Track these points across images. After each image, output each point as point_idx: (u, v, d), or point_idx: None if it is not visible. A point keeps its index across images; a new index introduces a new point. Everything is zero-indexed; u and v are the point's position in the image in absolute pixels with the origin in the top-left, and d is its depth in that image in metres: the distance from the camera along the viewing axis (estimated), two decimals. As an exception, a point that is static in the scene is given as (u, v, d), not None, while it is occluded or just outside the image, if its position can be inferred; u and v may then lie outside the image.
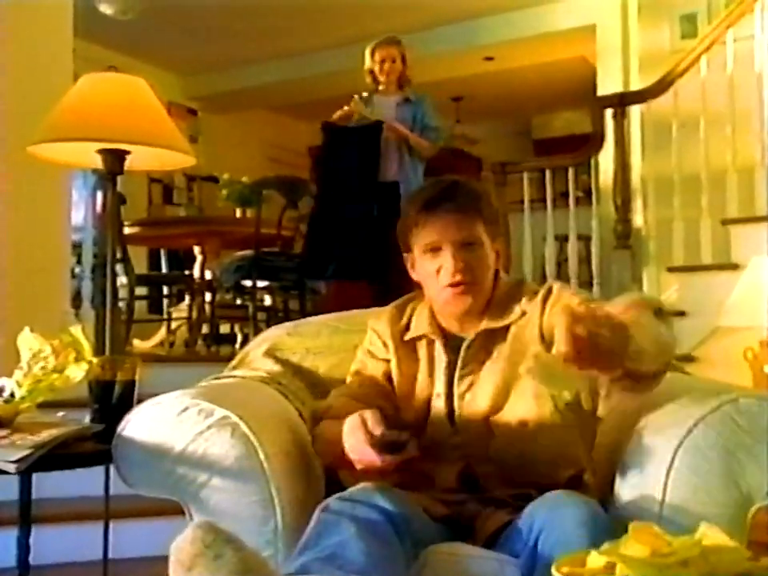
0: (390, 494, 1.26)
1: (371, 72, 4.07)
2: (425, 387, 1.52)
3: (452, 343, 1.51)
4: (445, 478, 1.44)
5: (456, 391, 1.48)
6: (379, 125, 3.87)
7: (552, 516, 1.20)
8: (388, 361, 1.56)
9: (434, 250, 1.46)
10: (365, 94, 4.09)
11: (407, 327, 1.57)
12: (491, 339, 1.49)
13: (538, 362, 1.37)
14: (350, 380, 1.61)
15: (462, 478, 1.44)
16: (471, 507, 1.40)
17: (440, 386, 1.50)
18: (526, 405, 1.43)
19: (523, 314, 1.49)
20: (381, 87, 4.08)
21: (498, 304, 1.51)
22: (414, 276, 1.55)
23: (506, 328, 1.49)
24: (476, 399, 1.46)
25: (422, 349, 1.54)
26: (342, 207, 3.85)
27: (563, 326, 1.07)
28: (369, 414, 1.32)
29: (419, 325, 1.55)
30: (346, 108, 4.02)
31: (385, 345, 1.57)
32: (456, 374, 1.49)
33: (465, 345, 1.49)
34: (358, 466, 1.32)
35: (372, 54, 4.05)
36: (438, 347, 1.52)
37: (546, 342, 1.41)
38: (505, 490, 1.40)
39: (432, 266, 1.47)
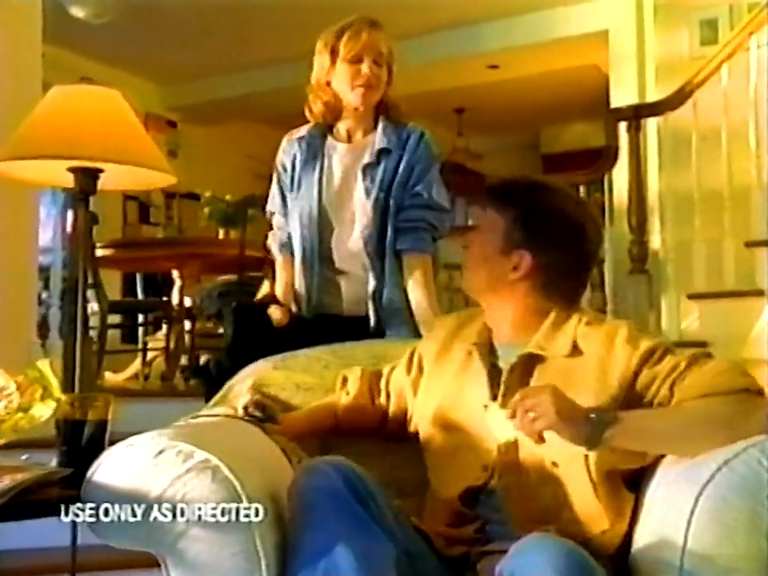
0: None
1: (327, 84, 2.30)
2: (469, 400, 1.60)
3: (494, 360, 1.61)
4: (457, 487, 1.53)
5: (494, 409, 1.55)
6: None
7: (522, 563, 1.22)
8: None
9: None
10: (300, 133, 2.37)
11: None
12: (534, 363, 1.57)
13: None
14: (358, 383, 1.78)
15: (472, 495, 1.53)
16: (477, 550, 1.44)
17: (479, 402, 1.58)
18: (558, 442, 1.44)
19: (575, 348, 1.56)
20: (344, 121, 2.33)
21: (552, 329, 1.59)
22: None
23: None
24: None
25: (472, 359, 1.64)
26: None
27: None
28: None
29: (469, 335, 1.68)
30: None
31: (411, 366, 1.75)
32: (499, 392, 1.55)
33: (506, 370, 1.57)
34: None
35: (333, 47, 2.29)
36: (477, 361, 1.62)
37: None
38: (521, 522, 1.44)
39: None
